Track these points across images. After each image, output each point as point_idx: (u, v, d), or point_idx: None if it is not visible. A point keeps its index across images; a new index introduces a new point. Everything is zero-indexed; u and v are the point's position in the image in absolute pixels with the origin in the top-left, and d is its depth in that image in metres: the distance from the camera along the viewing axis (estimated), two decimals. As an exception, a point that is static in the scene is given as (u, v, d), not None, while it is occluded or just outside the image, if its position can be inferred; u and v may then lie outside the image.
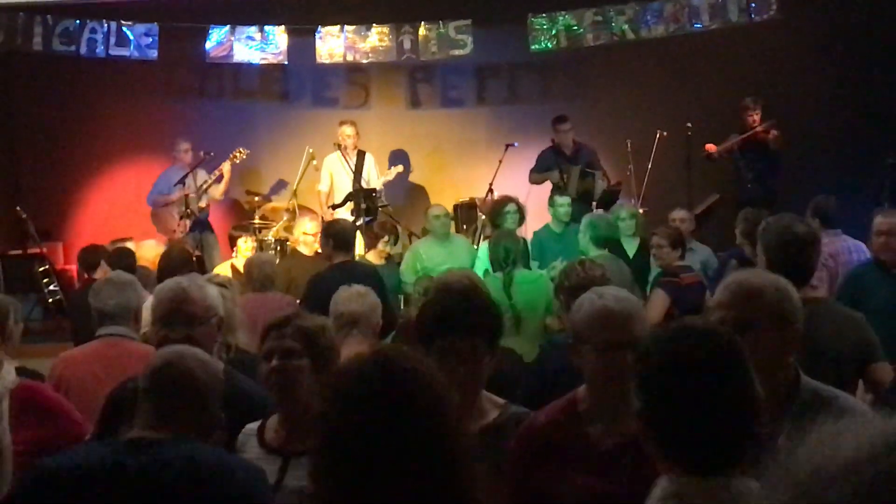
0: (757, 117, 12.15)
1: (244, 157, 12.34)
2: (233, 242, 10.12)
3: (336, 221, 9.12)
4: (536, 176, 12.38)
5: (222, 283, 5.77)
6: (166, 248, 8.41)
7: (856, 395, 4.63)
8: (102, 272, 8.20)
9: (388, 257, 10.32)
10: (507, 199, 10.20)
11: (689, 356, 2.47)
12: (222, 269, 9.89)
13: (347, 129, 12.45)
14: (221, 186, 12.29)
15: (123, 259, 8.34)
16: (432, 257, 9.79)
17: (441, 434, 2.19)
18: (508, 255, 7.55)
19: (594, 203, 11.69)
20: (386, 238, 10.26)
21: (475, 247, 10.67)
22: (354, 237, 8.56)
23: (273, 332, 3.70)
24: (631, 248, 9.81)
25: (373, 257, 10.14)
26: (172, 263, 7.74)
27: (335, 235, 8.27)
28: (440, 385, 2.26)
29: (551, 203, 10.68)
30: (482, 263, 9.45)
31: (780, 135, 11.95)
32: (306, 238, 9.70)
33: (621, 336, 3.24)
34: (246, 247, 9.83)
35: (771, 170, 12.11)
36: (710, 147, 12.13)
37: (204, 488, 3.02)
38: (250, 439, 3.71)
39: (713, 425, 2.41)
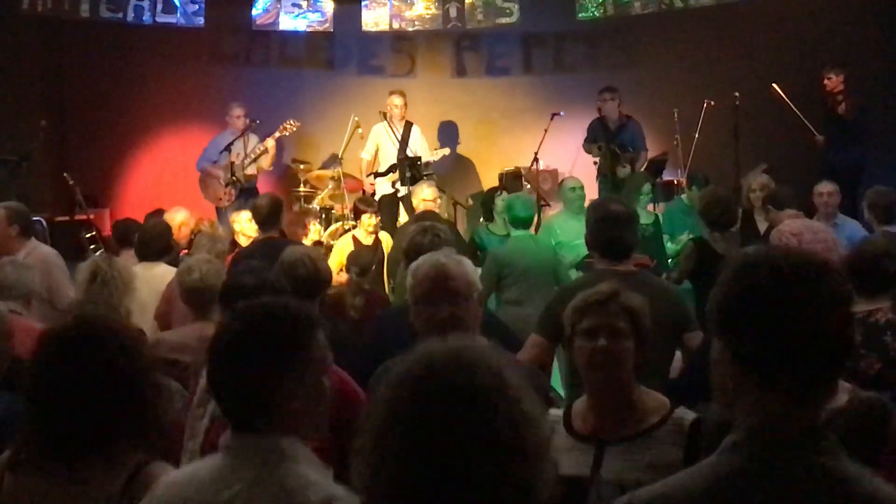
0: (830, 84, 11.95)
1: (294, 129, 12.27)
2: (357, 214, 10.14)
3: (262, 196, 8.89)
4: (585, 146, 12.35)
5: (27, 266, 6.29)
6: (144, 223, 8.50)
7: (671, 362, 5.11)
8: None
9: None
10: (644, 179, 10.17)
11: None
12: (345, 241, 9.90)
13: (396, 100, 12.42)
14: (268, 158, 12.31)
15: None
16: (567, 231, 9.45)
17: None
18: None
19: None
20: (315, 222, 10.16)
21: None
22: (278, 213, 8.27)
23: (597, 308, 3.48)
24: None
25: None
26: (147, 237, 7.87)
27: (255, 211, 8.23)
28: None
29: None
30: None
31: (849, 104, 11.75)
32: (426, 204, 9.67)
33: None
34: (369, 221, 9.82)
35: (848, 139, 11.87)
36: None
37: None
38: (555, 426, 3.44)
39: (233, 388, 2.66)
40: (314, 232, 9.91)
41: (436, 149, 12.67)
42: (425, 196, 9.71)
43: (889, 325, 4.87)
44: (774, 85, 11.91)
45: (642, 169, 11.84)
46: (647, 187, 9.90)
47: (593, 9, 12.86)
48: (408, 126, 12.45)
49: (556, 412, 3.54)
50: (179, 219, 9.61)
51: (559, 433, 3.43)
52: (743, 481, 2.01)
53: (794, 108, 11.88)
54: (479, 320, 3.87)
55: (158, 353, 4.94)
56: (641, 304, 3.55)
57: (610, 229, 5.06)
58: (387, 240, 9.83)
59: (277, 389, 2.62)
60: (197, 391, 4.44)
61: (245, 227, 9.68)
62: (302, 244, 7.62)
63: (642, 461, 3.31)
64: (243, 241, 9.43)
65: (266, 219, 8.12)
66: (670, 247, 9.46)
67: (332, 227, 11.15)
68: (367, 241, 9.65)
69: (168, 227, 8.38)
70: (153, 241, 7.80)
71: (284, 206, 8.54)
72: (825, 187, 9.51)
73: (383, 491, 1.86)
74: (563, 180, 10.91)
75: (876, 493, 1.99)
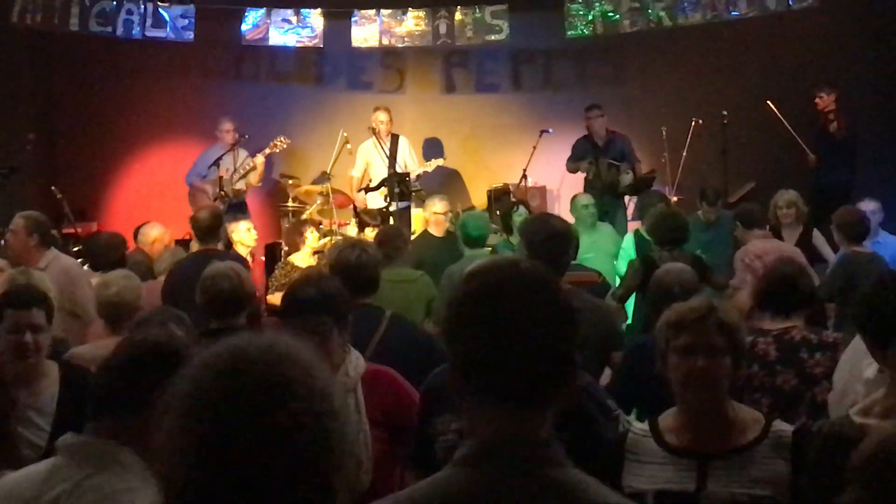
0: (822, 103, 12.04)
1: (284, 146, 12.33)
2: (361, 228, 10.19)
3: (201, 210, 8.88)
4: (571, 165, 12.40)
5: None
6: (96, 234, 8.57)
7: (600, 378, 5.33)
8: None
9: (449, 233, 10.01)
10: (658, 199, 10.18)
11: None
12: None
13: (381, 115, 12.46)
14: (257, 174, 12.36)
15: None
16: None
17: None
18: None
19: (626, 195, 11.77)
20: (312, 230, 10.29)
21: (620, 237, 10.51)
22: (216, 225, 8.29)
23: (693, 325, 3.39)
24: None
25: (436, 231, 9.78)
26: (97, 249, 8.11)
27: (195, 223, 8.26)
28: None
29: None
30: (626, 253, 9.40)
31: (841, 123, 11.84)
32: (437, 217, 9.64)
33: None
34: (372, 235, 9.85)
35: (838, 158, 11.94)
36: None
37: None
38: (644, 440, 3.47)
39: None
40: (312, 239, 9.92)
41: (429, 160, 12.68)
42: (436, 210, 9.73)
43: (804, 341, 5.12)
44: (769, 103, 11.98)
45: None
46: (661, 206, 9.97)
47: (582, 27, 12.87)
48: (394, 139, 12.48)
49: (642, 426, 3.54)
50: (154, 234, 9.66)
51: (649, 447, 3.43)
52: (475, 494, 2.03)
53: (789, 127, 11.95)
54: None
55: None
56: (738, 320, 3.51)
57: (556, 245, 5.11)
58: None
59: (142, 404, 2.63)
60: None
61: (244, 237, 9.75)
62: (235, 255, 7.67)
63: (749, 476, 3.30)
64: (242, 251, 9.47)
65: (206, 231, 8.16)
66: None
67: (321, 243, 11.16)
68: None
69: (121, 241, 8.45)
70: (103, 253, 8.04)
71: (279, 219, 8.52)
72: (866, 206, 9.49)
73: (181, 486, 1.79)
74: (574, 196, 10.95)
75: (602, 501, 2.05)
